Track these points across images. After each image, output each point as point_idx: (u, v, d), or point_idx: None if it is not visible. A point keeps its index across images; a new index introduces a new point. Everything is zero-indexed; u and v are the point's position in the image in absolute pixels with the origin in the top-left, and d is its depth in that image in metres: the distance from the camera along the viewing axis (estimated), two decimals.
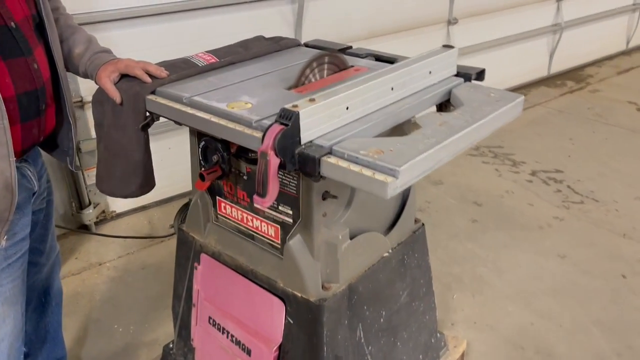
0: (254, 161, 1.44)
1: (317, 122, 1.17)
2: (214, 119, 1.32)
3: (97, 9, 2.72)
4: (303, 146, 1.15)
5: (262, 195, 1.12)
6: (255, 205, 1.16)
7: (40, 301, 1.73)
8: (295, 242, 1.41)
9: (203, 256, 1.67)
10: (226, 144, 1.42)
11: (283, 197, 1.40)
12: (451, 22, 4.30)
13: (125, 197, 1.60)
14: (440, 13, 4.25)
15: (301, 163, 1.13)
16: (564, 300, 2.50)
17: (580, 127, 4.34)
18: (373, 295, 1.57)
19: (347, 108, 1.23)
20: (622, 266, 2.72)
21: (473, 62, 4.58)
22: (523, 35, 4.89)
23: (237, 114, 1.30)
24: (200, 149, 1.47)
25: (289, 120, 1.11)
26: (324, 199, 1.37)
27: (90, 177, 2.96)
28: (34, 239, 1.57)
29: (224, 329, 1.65)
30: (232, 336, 1.62)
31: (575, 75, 5.51)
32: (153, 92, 1.49)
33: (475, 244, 2.91)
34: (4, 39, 1.29)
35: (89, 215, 2.99)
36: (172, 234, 1.82)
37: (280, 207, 1.42)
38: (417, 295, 1.76)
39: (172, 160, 2.92)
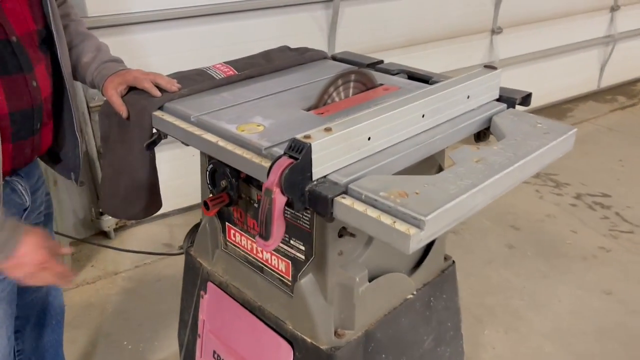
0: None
1: (333, 154, 1.01)
2: (222, 142, 1.18)
3: (124, 11, 2.64)
4: (315, 182, 1.00)
5: (265, 238, 0.98)
6: (259, 246, 1.01)
7: (40, 319, 1.63)
8: (307, 282, 1.26)
9: (210, 285, 1.54)
10: (235, 169, 1.28)
11: (295, 231, 1.25)
12: (495, 31, 4.08)
13: (129, 218, 1.49)
14: (484, 22, 4.04)
15: (312, 202, 0.98)
16: (608, 343, 2.27)
17: (631, 147, 4.04)
18: (393, 341, 1.40)
19: (369, 139, 1.07)
20: None
21: (517, 74, 4.35)
22: (572, 47, 4.61)
23: (247, 138, 1.16)
24: (207, 173, 1.34)
25: (299, 153, 0.96)
26: (340, 235, 1.21)
27: None
28: None
29: None
30: None
31: (627, 90, 5.18)
32: (161, 108, 1.36)
33: (511, 273, 2.70)
34: (3, 53, 1.19)
35: (108, 221, 2.91)
36: (178, 248, 1.71)
37: (292, 242, 1.28)
38: (443, 339, 1.58)
39: (196, 167, 2.80)
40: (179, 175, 2.88)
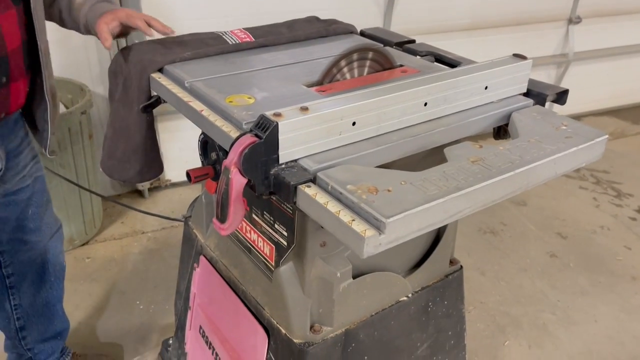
0: None
1: (308, 137, 0.91)
2: (205, 112, 1.10)
3: None
4: (283, 166, 0.90)
5: (221, 220, 0.90)
6: (216, 229, 0.94)
7: (38, 276, 1.64)
8: (286, 271, 1.18)
9: (202, 259, 1.49)
10: None
11: (279, 215, 1.17)
12: (573, 20, 3.74)
13: (124, 181, 1.45)
14: (561, 9, 3.71)
15: (276, 187, 0.89)
16: None
17: None
18: (379, 344, 1.30)
19: (354, 124, 0.96)
20: None
21: (592, 69, 4.00)
22: None
23: (231, 110, 1.07)
24: (199, 142, 1.27)
25: (264, 131, 0.87)
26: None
27: None
28: (18, 218, 1.46)
29: (211, 344, 1.47)
30: (217, 354, 1.44)
31: None
32: (161, 70, 1.30)
33: (547, 284, 2.50)
34: None
35: None
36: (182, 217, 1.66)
37: (276, 225, 1.20)
38: (442, 348, 1.46)
39: None
40: None
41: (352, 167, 0.89)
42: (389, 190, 0.83)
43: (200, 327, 1.52)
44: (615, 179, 3.41)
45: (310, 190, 0.85)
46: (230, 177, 0.86)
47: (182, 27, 2.63)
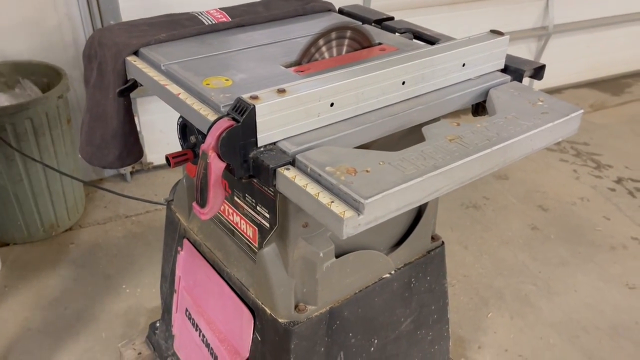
0: None
1: (286, 119, 0.91)
2: (183, 95, 1.09)
3: None
4: (262, 149, 0.90)
5: (201, 205, 0.90)
6: (196, 213, 0.94)
7: None
8: (269, 252, 1.18)
9: (186, 242, 1.49)
10: None
11: (261, 197, 1.17)
12: None
13: (103, 167, 1.44)
14: None
15: (255, 171, 0.89)
16: (621, 341, 2.12)
17: None
18: (363, 321, 1.32)
19: (332, 105, 0.96)
20: None
21: (572, 42, 4.02)
22: (639, 16, 4.21)
23: (208, 93, 1.07)
24: (178, 126, 1.26)
25: (241, 114, 0.86)
26: None
27: None
28: None
29: (197, 325, 1.48)
30: (204, 336, 1.45)
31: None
32: (136, 53, 1.28)
33: (528, 256, 2.54)
34: None
35: None
36: (163, 201, 1.66)
37: (258, 208, 1.20)
38: (425, 323, 1.49)
39: None
40: None
41: (330, 149, 0.90)
42: (367, 171, 0.83)
43: (187, 310, 1.53)
44: (595, 150, 3.46)
45: (290, 173, 0.85)
46: (208, 161, 0.86)
47: (159, 6, 2.60)
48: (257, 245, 1.25)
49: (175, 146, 1.19)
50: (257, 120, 0.87)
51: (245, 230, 1.28)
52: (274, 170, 0.86)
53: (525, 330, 2.15)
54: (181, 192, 1.48)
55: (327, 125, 0.97)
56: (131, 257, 2.47)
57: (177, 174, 3.04)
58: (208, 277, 1.41)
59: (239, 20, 1.44)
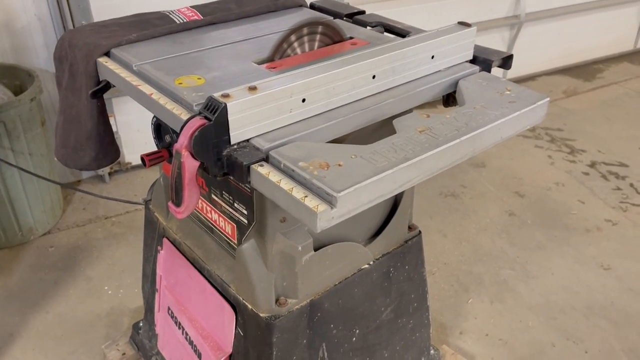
0: None
1: (258, 116, 0.92)
2: (155, 95, 1.10)
3: None
4: (235, 146, 0.91)
5: (177, 204, 0.91)
6: (172, 213, 0.95)
7: None
8: (248, 248, 1.20)
9: (165, 241, 1.50)
10: None
11: (238, 194, 1.18)
12: None
13: (80, 169, 1.43)
14: None
15: (229, 168, 0.90)
16: (597, 320, 2.18)
17: None
18: (344, 312, 1.34)
19: (304, 100, 0.97)
20: None
21: (543, 29, 4.08)
22: (609, 2, 4.28)
23: (180, 92, 1.07)
24: (153, 126, 1.26)
25: (213, 113, 0.87)
26: None
27: None
28: None
29: (180, 323, 1.49)
30: (187, 334, 1.46)
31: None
32: (107, 54, 1.28)
33: (506, 242, 2.59)
34: None
35: None
36: (142, 201, 1.66)
37: (236, 204, 1.21)
38: (405, 311, 1.52)
39: None
40: None
41: (303, 144, 0.91)
42: (339, 165, 0.85)
43: (169, 308, 1.53)
44: (569, 136, 3.52)
45: (263, 170, 0.87)
46: (182, 160, 0.87)
47: (130, 5, 2.58)
48: (236, 242, 1.26)
49: (153, 146, 1.20)
50: (229, 118, 0.88)
51: (223, 228, 1.29)
52: (248, 167, 0.87)
53: (505, 314, 2.20)
54: (158, 192, 1.49)
55: (299, 121, 0.98)
56: (112, 258, 2.46)
57: (156, 173, 3.03)
58: (189, 275, 1.42)
59: (211, 18, 1.44)
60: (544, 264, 2.46)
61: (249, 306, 1.23)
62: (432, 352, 1.72)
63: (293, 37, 1.26)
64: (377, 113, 1.05)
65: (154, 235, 1.56)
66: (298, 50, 1.28)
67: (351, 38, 1.37)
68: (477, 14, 3.68)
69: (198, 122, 0.86)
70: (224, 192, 1.23)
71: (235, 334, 1.29)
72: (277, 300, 1.22)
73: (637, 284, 2.36)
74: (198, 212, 1.37)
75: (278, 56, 1.25)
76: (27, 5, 2.51)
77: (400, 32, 1.42)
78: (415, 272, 1.51)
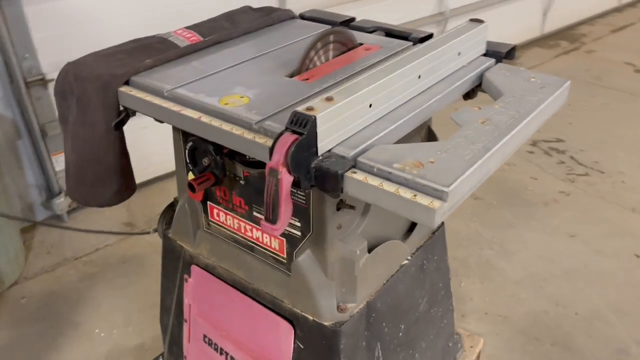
0: (252, 164, 1.22)
1: (337, 125, 0.94)
2: (205, 118, 1.08)
3: None
4: (321, 158, 0.92)
5: (273, 221, 0.90)
6: (265, 231, 0.94)
7: None
8: (305, 259, 1.20)
9: (194, 268, 1.46)
10: (218, 145, 1.18)
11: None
12: None
13: (101, 206, 1.36)
14: None
15: (319, 180, 0.91)
16: (577, 283, 2.36)
17: (578, 91, 4.15)
18: (392, 309, 1.38)
19: (371, 106, 1.00)
20: (633, 244, 2.59)
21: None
22: None
23: (233, 112, 1.06)
24: (187, 151, 1.23)
25: (303, 127, 0.88)
26: (338, 209, 1.15)
27: (58, 162, 2.69)
28: None
29: (222, 349, 1.45)
30: (232, 358, 1.42)
31: (568, 35, 5.30)
32: (127, 83, 1.24)
33: (478, 224, 2.74)
34: None
35: (60, 204, 2.72)
36: (152, 231, 1.60)
37: None
38: (436, 300, 1.58)
39: (148, 140, 2.64)
40: (130, 150, 2.71)
41: (385, 147, 0.94)
42: (432, 162, 0.89)
43: (205, 336, 1.49)
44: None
45: (358, 176, 0.88)
46: (279, 177, 0.87)
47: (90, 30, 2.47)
48: (285, 256, 1.26)
49: None
50: (317, 130, 0.89)
51: (269, 244, 1.28)
52: (342, 176, 0.89)
53: (497, 291, 2.33)
54: (183, 219, 1.44)
55: (367, 126, 1.01)
56: (95, 299, 2.33)
57: (117, 207, 2.89)
58: (229, 298, 1.39)
59: (216, 37, 1.43)
60: (518, 239, 2.63)
61: (310, 317, 1.23)
62: (455, 337, 1.80)
63: (318, 47, 1.28)
64: (427, 111, 1.09)
65: (176, 265, 1.51)
66: (320, 61, 1.31)
67: (361, 44, 1.41)
68: (404, 15, 3.85)
69: (290, 137, 0.87)
70: None
71: (294, 348, 1.29)
72: (337, 307, 1.24)
73: (602, 245, 2.58)
74: (234, 232, 1.35)
75: (304, 69, 1.26)
76: None
77: (401, 35, 1.48)
78: (442, 261, 1.57)
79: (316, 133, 0.89)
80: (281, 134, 0.88)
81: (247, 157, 1.20)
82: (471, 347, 1.87)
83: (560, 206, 2.87)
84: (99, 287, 2.39)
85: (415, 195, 0.83)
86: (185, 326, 1.54)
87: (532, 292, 2.32)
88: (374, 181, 0.87)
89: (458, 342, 1.82)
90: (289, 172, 0.88)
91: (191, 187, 1.16)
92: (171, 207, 1.62)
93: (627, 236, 2.64)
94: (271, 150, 0.88)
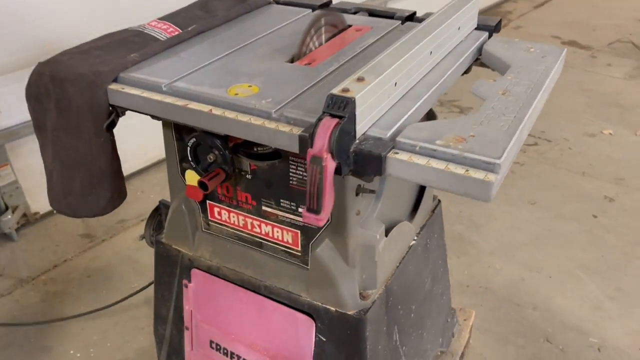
0: (258, 156, 1.16)
1: (371, 107, 0.90)
2: (217, 111, 1.01)
3: None
4: (358, 141, 0.89)
5: (317, 211, 0.86)
6: (305, 222, 0.89)
7: None
8: (324, 250, 1.16)
9: (195, 272, 1.38)
10: (224, 139, 1.11)
11: (305, 197, 1.14)
12: None
13: (93, 215, 1.25)
14: None
15: (358, 164, 0.88)
16: (546, 248, 2.46)
17: None
18: (404, 290, 1.37)
19: (396, 84, 0.97)
20: (590, 205, 2.73)
21: (400, 5, 4.39)
22: None
23: (247, 102, 1.00)
24: (190, 148, 1.16)
25: (343, 110, 0.84)
26: (356, 194, 1.12)
27: (2, 177, 2.48)
28: None
29: (232, 353, 1.39)
30: None
31: (494, 12, 5.49)
32: (114, 80, 1.14)
33: (445, 200, 2.77)
34: None
35: (8, 222, 2.51)
36: (139, 239, 1.50)
37: (300, 209, 1.16)
38: (436, 277, 1.59)
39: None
40: None
41: (419, 125, 0.92)
42: (472, 136, 0.87)
43: (212, 342, 1.42)
44: (453, 97, 3.86)
45: (402, 156, 0.86)
46: (324, 164, 0.82)
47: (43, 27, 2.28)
48: (299, 249, 1.21)
49: None
50: (356, 112, 0.85)
51: (280, 238, 1.23)
52: (385, 158, 0.86)
53: (473, 264, 2.39)
54: (179, 221, 1.36)
55: (393, 106, 0.98)
56: (63, 319, 2.17)
57: (73, 221, 2.70)
58: (238, 299, 1.33)
59: (198, 27, 1.35)
60: (484, 212, 2.70)
61: (332, 308, 1.20)
62: (451, 312, 1.82)
63: (312, 32, 1.24)
64: (443, 86, 1.08)
65: (173, 271, 1.42)
66: (316, 44, 1.27)
67: (350, 26, 1.38)
68: None
69: (332, 121, 0.82)
70: (282, 201, 1.18)
71: (315, 341, 1.25)
72: (360, 295, 1.21)
73: (561, 210, 2.71)
74: (239, 230, 1.28)
75: (303, 53, 1.22)
76: None
77: (385, 14, 1.47)
78: (440, 238, 1.58)
79: (355, 115, 0.85)
80: (320, 118, 0.84)
81: (255, 149, 1.15)
82: (465, 320, 1.90)
83: (517, 176, 2.98)
84: (65, 306, 2.23)
85: (467, 170, 0.82)
86: (187, 334, 1.47)
87: (507, 261, 2.39)
88: (420, 160, 0.85)
89: (454, 316, 1.84)
90: (332, 158, 0.84)
91: (203, 185, 1.09)
92: (156, 212, 1.53)
93: (582, 198, 2.78)
94: (311, 137, 0.83)
